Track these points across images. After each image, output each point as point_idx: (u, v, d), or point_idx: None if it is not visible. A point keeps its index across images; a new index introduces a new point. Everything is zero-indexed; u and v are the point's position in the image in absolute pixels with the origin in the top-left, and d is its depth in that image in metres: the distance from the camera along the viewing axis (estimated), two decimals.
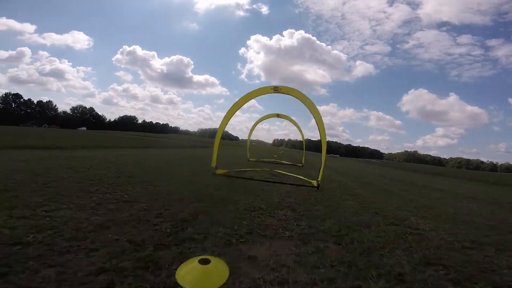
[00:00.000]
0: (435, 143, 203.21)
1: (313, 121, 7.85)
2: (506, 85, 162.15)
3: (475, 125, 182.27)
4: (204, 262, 2.21)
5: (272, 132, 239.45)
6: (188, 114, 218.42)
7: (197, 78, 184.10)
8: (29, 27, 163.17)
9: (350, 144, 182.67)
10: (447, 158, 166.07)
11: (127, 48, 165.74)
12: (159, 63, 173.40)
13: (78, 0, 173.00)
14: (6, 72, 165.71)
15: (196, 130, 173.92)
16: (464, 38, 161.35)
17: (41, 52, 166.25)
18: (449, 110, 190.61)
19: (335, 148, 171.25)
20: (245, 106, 8.71)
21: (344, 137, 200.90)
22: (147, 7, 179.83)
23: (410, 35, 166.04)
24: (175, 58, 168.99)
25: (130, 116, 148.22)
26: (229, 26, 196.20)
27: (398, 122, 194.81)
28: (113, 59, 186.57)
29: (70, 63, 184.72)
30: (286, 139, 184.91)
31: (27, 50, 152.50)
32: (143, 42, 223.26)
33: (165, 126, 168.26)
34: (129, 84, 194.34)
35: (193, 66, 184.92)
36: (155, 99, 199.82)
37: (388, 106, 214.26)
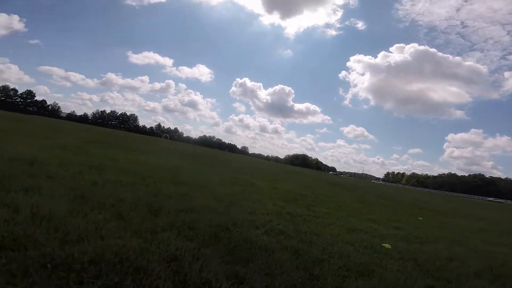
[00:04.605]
0: None
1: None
2: None
3: None
4: None
5: (387, 166, 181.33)
6: (291, 144, 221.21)
7: (298, 106, 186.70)
8: (168, 61, 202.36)
9: None
10: None
11: (239, 80, 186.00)
12: (264, 94, 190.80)
13: (195, 34, 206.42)
14: (161, 101, 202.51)
15: (283, 157, 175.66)
16: None
17: (180, 85, 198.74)
18: None
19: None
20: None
21: (495, 175, 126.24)
22: (243, 37, 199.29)
23: None
24: (277, 88, 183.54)
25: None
26: (323, 48, 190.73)
27: None
28: (230, 91, 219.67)
29: (202, 95, 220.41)
30: (409, 173, 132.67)
31: (172, 83, 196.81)
32: (249, 74, 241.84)
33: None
34: (243, 115, 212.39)
35: (294, 95, 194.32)
36: (263, 129, 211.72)
37: None
